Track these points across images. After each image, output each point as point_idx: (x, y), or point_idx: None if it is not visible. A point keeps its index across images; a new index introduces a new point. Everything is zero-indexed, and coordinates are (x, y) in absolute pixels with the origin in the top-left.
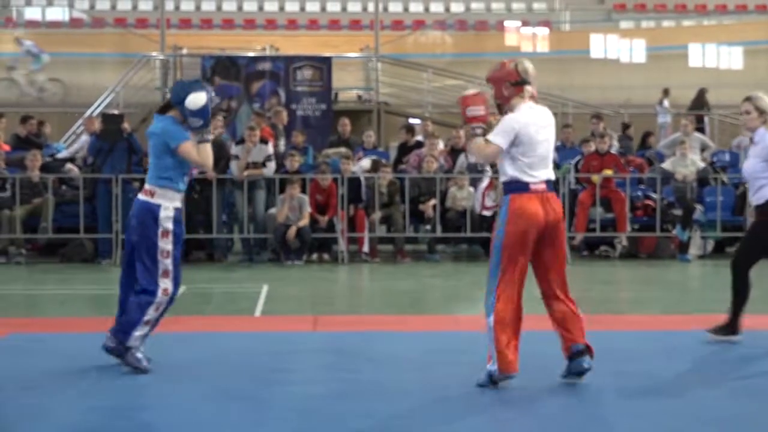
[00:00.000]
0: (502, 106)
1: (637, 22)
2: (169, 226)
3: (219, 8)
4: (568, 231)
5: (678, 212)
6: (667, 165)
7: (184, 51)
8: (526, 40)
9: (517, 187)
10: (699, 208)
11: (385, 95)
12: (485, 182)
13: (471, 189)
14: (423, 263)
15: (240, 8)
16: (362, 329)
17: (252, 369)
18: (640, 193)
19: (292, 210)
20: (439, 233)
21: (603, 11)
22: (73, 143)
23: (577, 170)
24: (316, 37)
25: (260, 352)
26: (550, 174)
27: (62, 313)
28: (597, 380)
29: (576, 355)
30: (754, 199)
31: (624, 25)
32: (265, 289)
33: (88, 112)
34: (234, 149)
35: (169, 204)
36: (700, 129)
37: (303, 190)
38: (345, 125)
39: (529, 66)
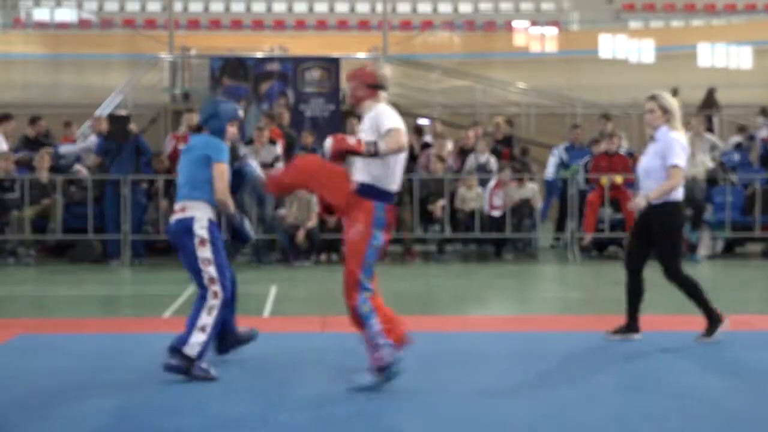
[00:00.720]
0: (356, 108)
1: (645, 22)
2: (204, 234)
3: (227, 9)
4: (577, 231)
5: (687, 212)
6: None
7: (193, 52)
8: (534, 40)
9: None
10: (708, 208)
11: (394, 96)
12: (493, 182)
13: (479, 189)
14: (432, 264)
15: (248, 9)
16: None
17: (260, 370)
18: None
19: (300, 210)
20: (448, 234)
21: (612, 11)
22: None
23: (586, 170)
24: (324, 37)
25: (269, 353)
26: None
27: (71, 314)
28: (607, 379)
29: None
30: (651, 197)
31: (633, 25)
32: (273, 290)
33: (97, 112)
34: (242, 150)
35: (202, 215)
36: (710, 129)
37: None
38: (353, 126)
39: (387, 73)
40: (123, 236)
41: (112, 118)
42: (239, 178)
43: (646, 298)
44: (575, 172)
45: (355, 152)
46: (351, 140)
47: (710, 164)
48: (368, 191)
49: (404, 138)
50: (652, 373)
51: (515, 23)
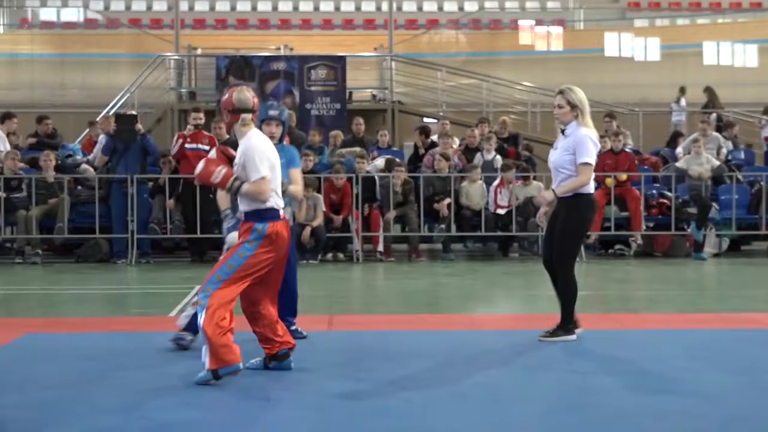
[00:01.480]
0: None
1: (651, 20)
2: None
3: (233, 8)
4: None
5: (693, 210)
6: (681, 163)
7: (199, 51)
8: (540, 38)
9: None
10: (714, 206)
11: (399, 94)
12: (497, 180)
13: (483, 185)
14: (438, 262)
15: (254, 8)
16: (377, 328)
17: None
18: (654, 192)
19: (306, 209)
20: (453, 232)
21: (617, 9)
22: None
23: None
24: (330, 36)
25: None
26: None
27: (78, 313)
28: (615, 379)
29: (282, 357)
30: (560, 190)
31: (638, 23)
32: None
33: (104, 112)
34: None
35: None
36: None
37: (318, 190)
38: (359, 124)
39: (246, 95)
40: (130, 235)
41: (119, 118)
42: None
43: (651, 296)
44: None
45: (220, 186)
46: (218, 175)
47: (716, 162)
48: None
49: (267, 188)
50: (659, 371)
51: (521, 22)
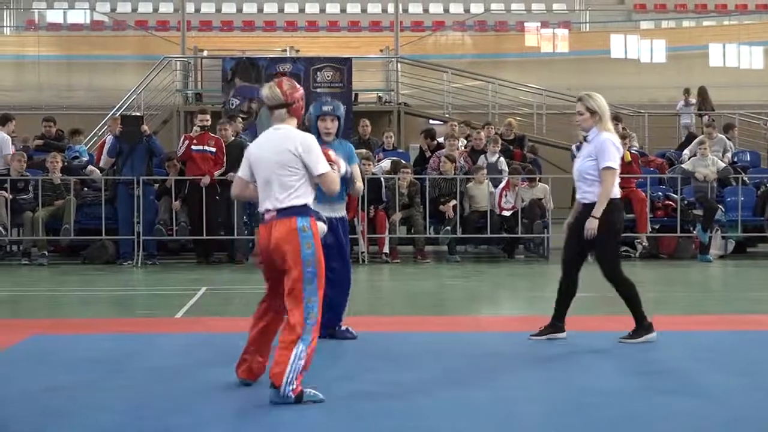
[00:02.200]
0: None
1: (657, 22)
2: None
3: (239, 10)
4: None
5: (699, 212)
6: (687, 165)
7: (205, 53)
8: (545, 40)
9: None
10: (720, 208)
11: (405, 96)
12: (503, 183)
13: (490, 186)
14: (443, 264)
15: (260, 10)
16: (383, 330)
17: None
18: (660, 194)
19: None
20: (459, 234)
21: (623, 11)
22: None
23: None
24: (336, 38)
25: None
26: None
27: (84, 314)
28: (620, 380)
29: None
30: (585, 197)
31: (644, 25)
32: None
33: (110, 114)
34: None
35: None
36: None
37: None
38: (365, 126)
39: (264, 90)
40: (136, 237)
41: (125, 119)
42: None
43: (657, 298)
44: None
45: None
46: None
47: (721, 164)
48: None
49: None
50: (664, 373)
51: (527, 24)
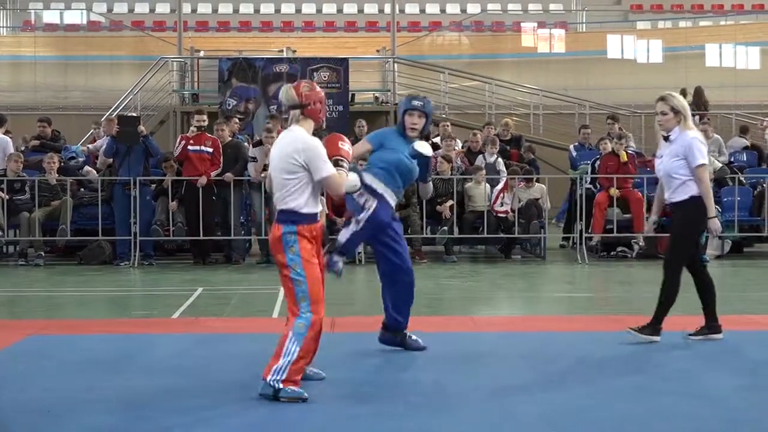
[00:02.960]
0: None
1: (653, 23)
2: None
3: (236, 10)
4: (585, 231)
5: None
6: None
7: (202, 53)
8: (542, 41)
9: None
10: (716, 208)
11: (402, 97)
12: (501, 184)
13: (488, 187)
14: (440, 264)
15: (257, 10)
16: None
17: None
18: None
19: None
20: (456, 234)
21: (620, 12)
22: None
23: (594, 170)
24: (332, 38)
25: None
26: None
27: (81, 315)
28: (617, 379)
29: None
30: (674, 196)
31: (641, 25)
32: (282, 290)
33: (107, 115)
34: (251, 151)
35: None
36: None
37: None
38: (362, 126)
39: (280, 91)
40: (133, 237)
41: (122, 120)
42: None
43: (654, 298)
44: (583, 173)
45: None
46: None
47: (718, 164)
48: None
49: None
50: (663, 373)
51: (523, 24)
